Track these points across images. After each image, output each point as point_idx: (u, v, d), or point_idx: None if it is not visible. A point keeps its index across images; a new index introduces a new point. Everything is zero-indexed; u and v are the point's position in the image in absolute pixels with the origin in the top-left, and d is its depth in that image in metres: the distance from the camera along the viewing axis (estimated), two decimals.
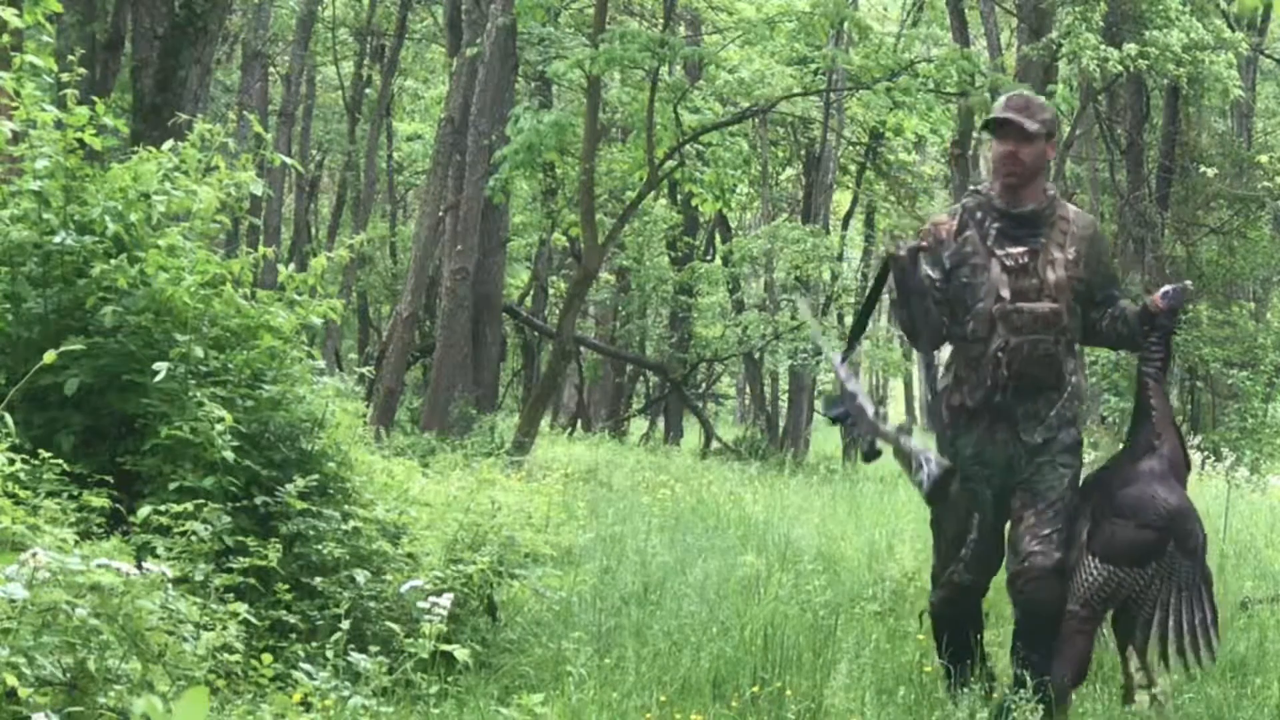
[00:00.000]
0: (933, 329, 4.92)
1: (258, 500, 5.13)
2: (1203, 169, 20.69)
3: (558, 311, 20.31)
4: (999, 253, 4.87)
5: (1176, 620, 4.75)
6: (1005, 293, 4.83)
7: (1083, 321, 4.98)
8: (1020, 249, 4.88)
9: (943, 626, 5.11)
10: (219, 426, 4.99)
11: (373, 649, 4.64)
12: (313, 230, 27.73)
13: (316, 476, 5.28)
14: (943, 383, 4.99)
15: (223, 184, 5.75)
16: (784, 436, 23.04)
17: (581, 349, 24.27)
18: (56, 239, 5.28)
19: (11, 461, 4.23)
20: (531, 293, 26.31)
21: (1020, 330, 4.82)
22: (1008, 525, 4.98)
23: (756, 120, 21.37)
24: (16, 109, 5.41)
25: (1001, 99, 5.08)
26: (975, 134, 23.42)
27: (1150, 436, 4.82)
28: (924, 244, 4.88)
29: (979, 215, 4.96)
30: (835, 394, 5.07)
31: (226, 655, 4.06)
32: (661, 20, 16.94)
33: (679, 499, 11.10)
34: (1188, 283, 4.96)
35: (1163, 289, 4.88)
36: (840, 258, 25.14)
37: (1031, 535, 4.83)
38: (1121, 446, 5.07)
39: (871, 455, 4.92)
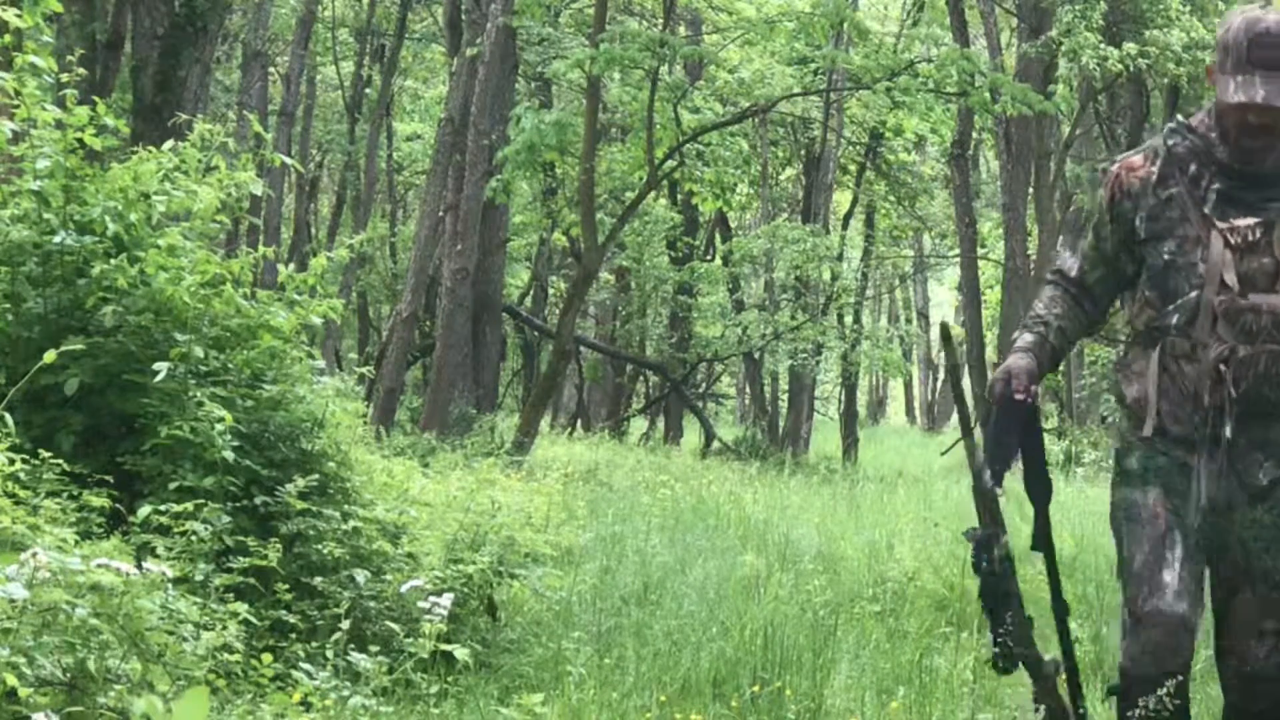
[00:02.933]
0: (1096, 307, 3.86)
1: (258, 500, 5.13)
2: None
3: (558, 311, 20.31)
4: (1221, 224, 3.57)
5: None
6: (1231, 279, 3.52)
7: None
8: (1251, 220, 3.56)
9: (1142, 692, 3.55)
10: (219, 426, 4.99)
11: (373, 649, 4.64)
12: (313, 230, 27.73)
13: (316, 476, 5.28)
14: (1130, 391, 3.73)
15: (223, 184, 5.75)
16: (784, 436, 23.05)
17: (581, 349, 24.27)
18: (56, 239, 5.28)
19: (11, 461, 4.23)
20: (531, 293, 26.31)
21: (1255, 336, 3.51)
22: (1207, 577, 3.72)
23: (756, 120, 21.37)
24: (17, 109, 5.41)
25: (1252, 22, 3.54)
26: (975, 133, 23.42)
27: None
28: (1026, 396, 3.69)
29: (1192, 167, 3.64)
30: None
31: (226, 655, 4.06)
32: (661, 20, 16.93)
33: (679, 499, 11.10)
34: None
35: None
36: (840, 258, 25.14)
37: (1252, 631, 3.65)
38: None
39: (1010, 667, 3.74)
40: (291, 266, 5.93)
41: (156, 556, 4.36)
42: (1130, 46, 15.37)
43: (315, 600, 4.99)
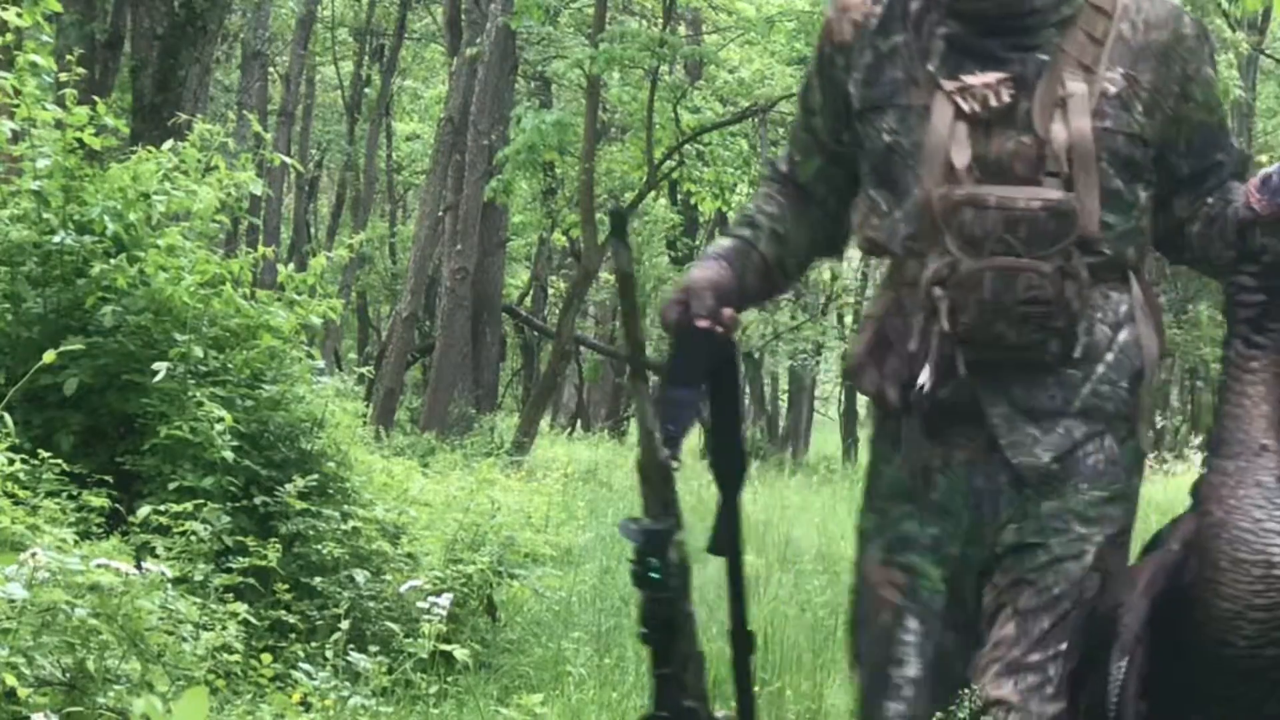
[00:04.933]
0: (826, 214, 2.61)
1: (257, 500, 5.13)
2: None
3: (558, 311, 20.32)
4: (948, 84, 2.37)
5: None
6: (960, 161, 2.34)
7: (1160, 221, 2.49)
8: (993, 76, 2.37)
9: None
10: (219, 426, 4.99)
11: (372, 649, 4.64)
12: (312, 230, 27.74)
13: (316, 476, 5.28)
14: (854, 345, 2.54)
15: (222, 184, 5.76)
16: (784, 436, 23.06)
17: (581, 349, 24.28)
18: (56, 239, 5.28)
19: (11, 461, 4.23)
20: (531, 293, 26.32)
21: (980, 244, 2.31)
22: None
23: (756, 120, 21.37)
24: (17, 108, 5.41)
25: None
26: None
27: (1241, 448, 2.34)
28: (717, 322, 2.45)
29: (913, 4, 2.46)
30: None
31: (226, 655, 4.06)
32: (661, 20, 16.93)
33: (678, 499, 11.09)
34: None
35: (1262, 174, 2.43)
36: (840, 257, 25.15)
37: (1000, 662, 2.35)
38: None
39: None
40: (291, 266, 5.94)
41: (156, 556, 4.36)
42: None
43: (315, 600, 4.99)
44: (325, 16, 26.13)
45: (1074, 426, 2.38)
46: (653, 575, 2.38)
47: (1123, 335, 2.41)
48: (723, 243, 2.66)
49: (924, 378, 2.36)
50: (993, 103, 2.36)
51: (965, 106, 2.36)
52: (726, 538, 2.51)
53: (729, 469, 2.54)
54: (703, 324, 2.45)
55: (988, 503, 2.40)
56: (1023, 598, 2.36)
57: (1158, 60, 2.44)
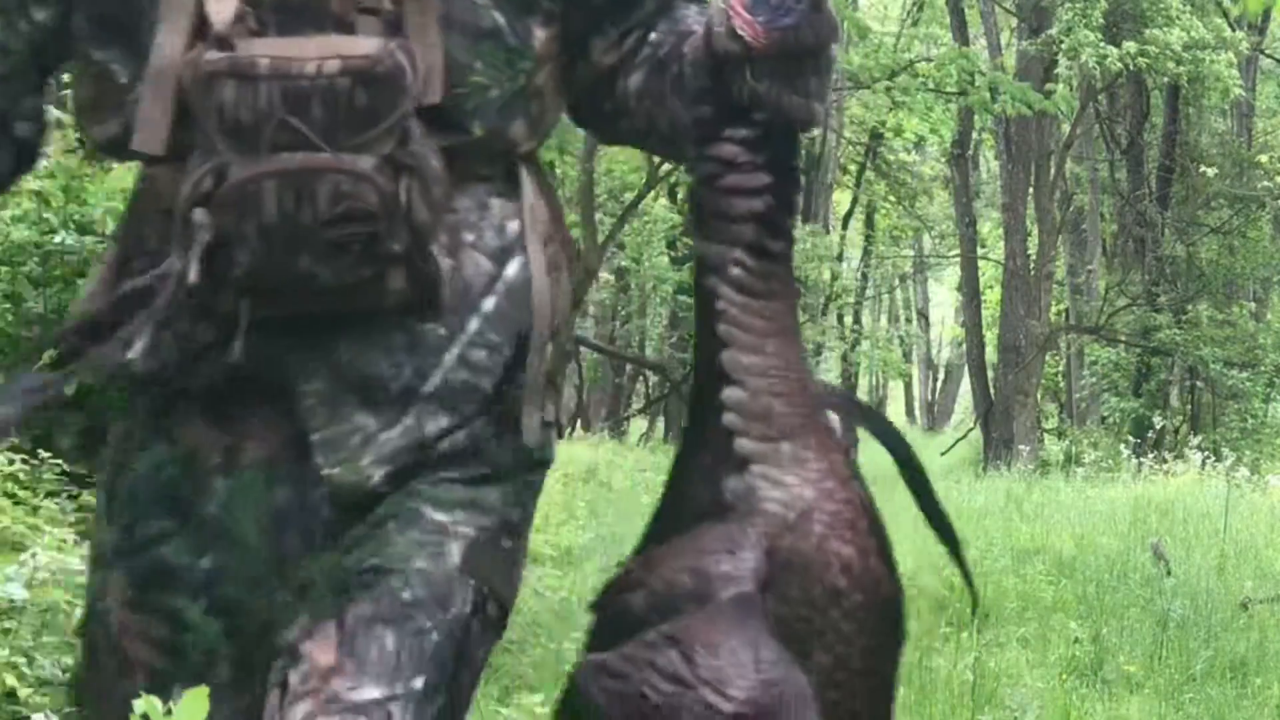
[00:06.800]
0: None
1: None
2: (1203, 169, 20.72)
3: None
4: None
5: None
6: (220, 12, 1.40)
7: (575, 75, 1.66)
8: None
9: None
10: None
11: None
12: None
13: None
14: (90, 290, 1.70)
15: None
16: None
17: (581, 349, 24.31)
18: (57, 239, 5.29)
19: (11, 462, 4.23)
20: None
21: (256, 137, 1.39)
22: None
23: None
24: None
25: None
26: (975, 133, 23.45)
27: (713, 444, 1.52)
28: None
29: None
30: None
31: None
32: None
33: None
34: None
35: None
36: (840, 258, 25.18)
37: (313, 700, 1.44)
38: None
39: None
40: None
41: None
42: (1130, 45, 15.40)
43: None
44: None
45: (427, 419, 1.51)
46: None
47: (511, 270, 1.54)
48: None
49: (134, 350, 1.54)
50: None
51: None
52: None
53: None
54: None
55: (295, 527, 1.53)
56: (351, 610, 1.49)
57: None
